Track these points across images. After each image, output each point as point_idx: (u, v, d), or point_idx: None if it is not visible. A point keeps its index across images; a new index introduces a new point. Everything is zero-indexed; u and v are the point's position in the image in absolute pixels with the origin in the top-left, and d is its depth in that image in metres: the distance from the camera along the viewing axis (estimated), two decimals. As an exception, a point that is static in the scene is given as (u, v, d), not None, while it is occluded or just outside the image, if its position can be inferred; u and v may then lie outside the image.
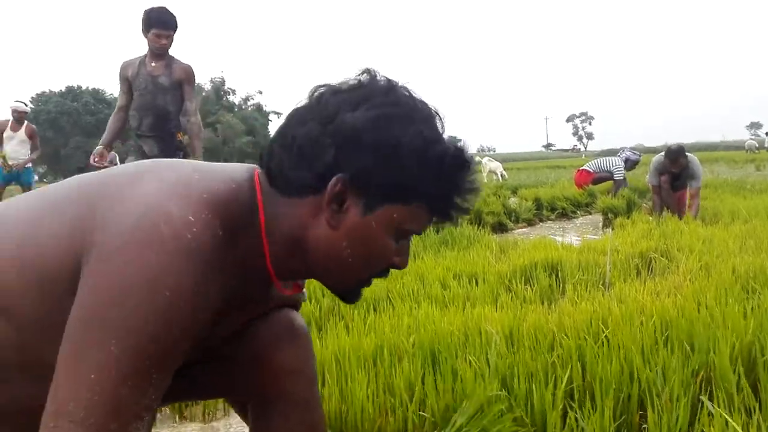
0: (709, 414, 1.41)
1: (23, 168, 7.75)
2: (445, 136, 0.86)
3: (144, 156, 4.13)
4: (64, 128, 50.80)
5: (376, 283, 2.89)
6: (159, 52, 4.03)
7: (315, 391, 1.07)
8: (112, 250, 0.72)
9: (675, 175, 5.73)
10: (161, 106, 4.08)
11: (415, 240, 4.57)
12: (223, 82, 48.40)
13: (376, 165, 0.81)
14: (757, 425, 1.32)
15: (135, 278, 0.70)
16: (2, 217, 0.86)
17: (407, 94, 0.86)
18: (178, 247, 0.72)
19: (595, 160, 9.25)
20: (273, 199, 0.85)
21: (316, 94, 0.86)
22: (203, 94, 48.28)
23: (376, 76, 0.86)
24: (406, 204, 0.84)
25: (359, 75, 0.87)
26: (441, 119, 0.87)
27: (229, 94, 48.93)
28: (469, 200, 0.88)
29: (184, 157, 4.17)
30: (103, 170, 0.89)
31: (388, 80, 0.86)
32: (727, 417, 1.33)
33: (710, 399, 1.51)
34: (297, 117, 0.85)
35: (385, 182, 0.82)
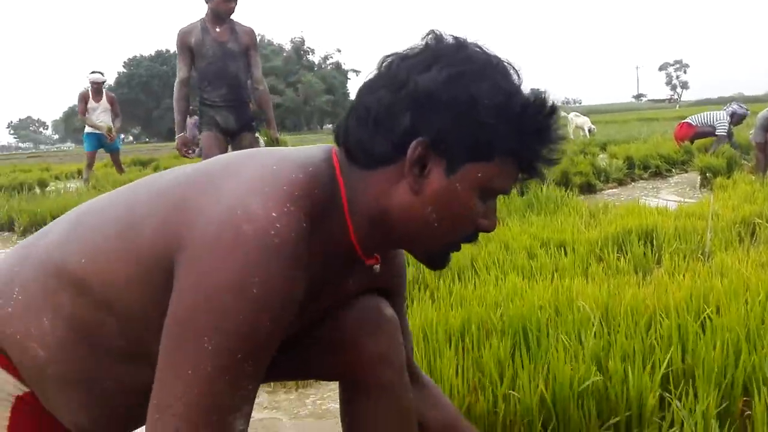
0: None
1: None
2: (524, 87, 0.83)
3: (218, 128, 3.88)
4: (156, 91, 53.06)
5: (461, 250, 2.87)
6: (225, 16, 3.77)
7: (403, 378, 1.07)
8: (201, 252, 0.74)
9: None
10: (233, 74, 3.80)
11: (499, 204, 4.48)
12: (302, 42, 48.79)
13: (455, 124, 0.79)
14: None
15: (223, 279, 0.72)
16: (105, 209, 0.90)
17: (479, 50, 0.83)
18: (262, 245, 0.72)
19: (699, 114, 8.67)
20: (352, 175, 0.85)
21: (384, 63, 0.85)
22: (284, 54, 48.89)
23: (442, 36, 0.84)
24: (490, 161, 0.82)
25: (425, 38, 0.84)
26: (517, 71, 0.84)
27: (309, 54, 49.35)
28: (555, 150, 0.85)
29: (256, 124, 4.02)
30: (192, 165, 0.90)
31: (456, 39, 0.84)
32: None
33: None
34: (368, 88, 0.85)
35: (466, 140, 0.80)
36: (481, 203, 0.85)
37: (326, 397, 1.91)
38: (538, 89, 0.84)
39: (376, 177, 0.84)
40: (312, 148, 0.90)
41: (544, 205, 4.31)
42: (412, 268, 2.68)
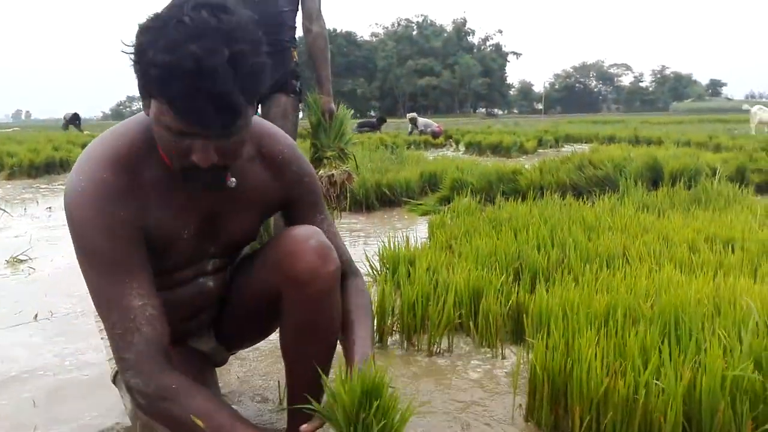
0: None
1: None
2: (208, 41, 0.87)
3: None
4: (320, 69, 55.25)
5: (612, 239, 2.73)
6: None
7: (334, 287, 1.15)
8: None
9: None
10: (272, 12, 2.54)
11: (662, 196, 4.17)
12: (464, 23, 48.28)
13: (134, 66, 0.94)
14: None
15: (70, 218, 1.04)
16: None
17: (185, 10, 0.89)
18: (82, 195, 1.02)
19: None
20: None
21: None
22: (444, 35, 48.80)
23: None
24: (153, 98, 0.94)
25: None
26: (202, 26, 0.88)
27: (469, 35, 48.76)
28: (191, 97, 0.89)
29: (300, 84, 2.71)
30: None
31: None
32: None
33: None
34: None
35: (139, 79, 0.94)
36: (179, 138, 0.95)
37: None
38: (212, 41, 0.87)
39: None
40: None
41: (714, 200, 3.96)
42: (557, 249, 2.62)
